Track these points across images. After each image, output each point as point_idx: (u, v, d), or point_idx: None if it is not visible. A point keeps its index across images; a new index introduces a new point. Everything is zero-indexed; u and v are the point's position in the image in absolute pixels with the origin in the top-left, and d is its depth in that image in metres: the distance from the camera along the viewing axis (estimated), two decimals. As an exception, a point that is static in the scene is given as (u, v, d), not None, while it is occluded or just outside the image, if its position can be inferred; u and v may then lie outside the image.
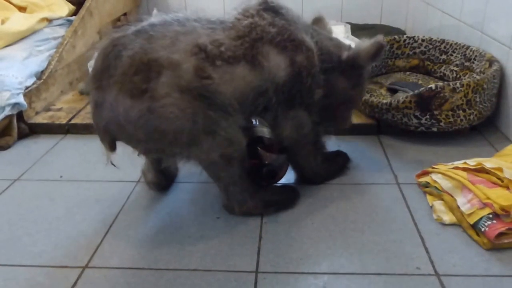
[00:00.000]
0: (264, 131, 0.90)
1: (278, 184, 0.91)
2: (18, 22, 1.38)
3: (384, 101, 1.06)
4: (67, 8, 1.60)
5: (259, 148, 0.87)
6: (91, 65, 1.40)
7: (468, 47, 1.21)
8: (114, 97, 0.69)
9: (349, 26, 1.79)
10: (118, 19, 1.85)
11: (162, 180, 0.90)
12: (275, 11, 0.80)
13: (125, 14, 1.89)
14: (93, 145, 1.12)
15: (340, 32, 1.73)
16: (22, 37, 1.37)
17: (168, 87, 0.69)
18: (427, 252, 0.73)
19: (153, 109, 0.68)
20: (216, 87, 0.71)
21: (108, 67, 0.70)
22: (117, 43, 0.72)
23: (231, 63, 0.73)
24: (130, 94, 0.68)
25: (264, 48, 0.76)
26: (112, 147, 0.75)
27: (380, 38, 0.84)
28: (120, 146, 1.11)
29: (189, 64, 0.70)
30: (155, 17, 0.77)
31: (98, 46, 0.77)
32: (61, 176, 0.98)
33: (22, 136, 1.16)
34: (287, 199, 0.86)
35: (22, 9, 1.55)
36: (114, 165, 0.80)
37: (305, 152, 0.88)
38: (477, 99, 1.02)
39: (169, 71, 0.69)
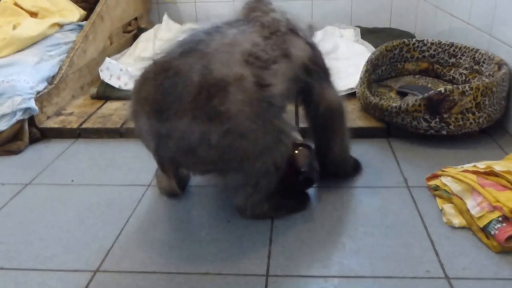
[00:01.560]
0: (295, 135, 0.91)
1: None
2: (30, 27, 1.41)
3: (394, 104, 1.06)
4: (78, 13, 1.63)
5: (296, 153, 0.86)
6: (101, 69, 1.42)
7: (477, 50, 1.21)
8: (187, 125, 0.66)
9: (358, 30, 1.80)
10: (129, 24, 1.87)
11: (177, 188, 0.89)
12: (266, 4, 0.84)
13: (135, 18, 1.91)
14: (104, 149, 1.14)
15: (350, 36, 1.74)
16: (33, 42, 1.39)
17: (239, 103, 0.67)
18: (437, 255, 0.72)
19: (231, 129, 0.67)
20: (274, 91, 0.71)
21: (168, 96, 0.67)
22: (167, 68, 0.68)
23: (277, 62, 0.73)
24: (206, 118, 0.66)
25: (288, 37, 0.78)
26: (175, 175, 0.75)
27: None
28: (130, 151, 1.12)
29: (249, 75, 0.69)
30: (187, 32, 0.75)
31: (142, 74, 0.72)
32: (72, 180, 1.00)
33: (33, 140, 1.18)
34: (298, 203, 0.86)
35: (33, 14, 1.58)
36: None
37: (341, 127, 0.87)
38: (487, 102, 1.02)
39: (235, 87, 0.67)
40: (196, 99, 0.66)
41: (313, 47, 0.83)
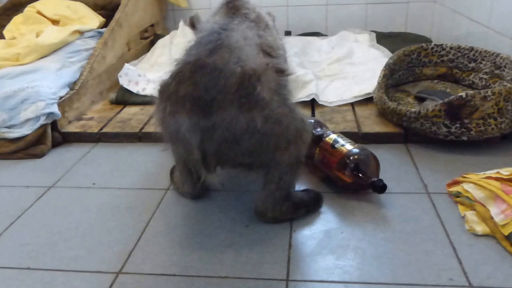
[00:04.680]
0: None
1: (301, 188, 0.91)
2: (52, 35, 1.44)
3: (413, 109, 1.05)
4: (98, 20, 1.66)
5: (367, 159, 0.89)
6: (120, 75, 1.45)
7: (498, 55, 1.19)
8: (234, 115, 0.70)
9: (374, 35, 1.79)
10: (146, 30, 1.90)
11: (199, 189, 0.91)
12: (246, 2, 0.92)
13: (152, 25, 1.94)
14: (123, 153, 1.16)
15: (365, 41, 1.73)
16: (55, 49, 1.43)
17: (270, 91, 0.72)
18: (460, 263, 0.71)
19: (269, 114, 0.71)
20: (288, 76, 0.79)
21: (210, 90, 0.70)
22: (203, 65, 0.71)
23: (280, 49, 0.82)
24: (250, 106, 0.70)
25: (272, 30, 0.89)
26: (215, 169, 0.77)
27: None
28: (148, 155, 1.14)
29: (270, 65, 0.75)
30: (206, 31, 0.79)
31: (175, 75, 0.75)
32: (93, 184, 1.01)
33: (55, 144, 1.21)
34: (314, 199, 0.87)
35: (55, 22, 1.62)
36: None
37: None
38: (509, 108, 1.01)
39: (265, 75, 0.72)
40: (239, 89, 0.70)
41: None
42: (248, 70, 0.71)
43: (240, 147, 0.72)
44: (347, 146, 0.92)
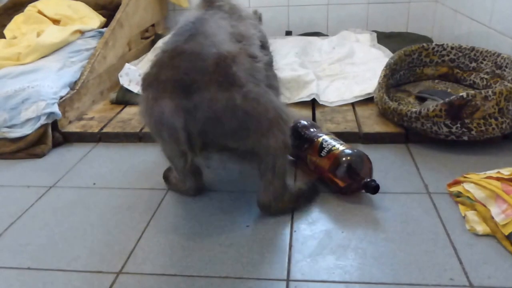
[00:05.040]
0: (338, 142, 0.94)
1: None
2: (53, 34, 1.44)
3: (413, 109, 1.05)
4: (99, 20, 1.66)
5: (359, 161, 0.89)
6: (121, 75, 1.45)
7: (499, 55, 1.19)
8: (214, 93, 0.73)
9: (375, 35, 1.79)
10: (146, 30, 1.90)
11: (201, 183, 0.93)
12: None
13: (153, 25, 1.94)
14: (124, 153, 1.16)
15: (366, 41, 1.73)
16: (56, 49, 1.43)
17: (245, 72, 0.75)
18: (461, 263, 0.71)
19: (247, 92, 0.74)
20: (261, 63, 0.81)
21: (190, 73, 0.74)
22: (181, 51, 0.75)
23: (253, 38, 0.85)
24: (229, 85, 0.73)
25: (246, 20, 0.92)
26: (201, 152, 0.79)
27: None
28: (149, 155, 1.14)
29: (242, 50, 0.79)
30: (181, 22, 0.84)
31: (155, 63, 0.78)
32: (94, 184, 1.01)
33: (56, 144, 1.21)
34: (311, 188, 0.90)
35: (56, 22, 1.62)
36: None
37: None
38: (510, 107, 1.00)
39: (238, 59, 0.76)
40: (217, 70, 0.73)
41: (260, 28, 0.96)
42: (223, 52, 0.75)
43: (223, 126, 0.75)
44: (339, 147, 0.91)
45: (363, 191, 0.88)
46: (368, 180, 0.87)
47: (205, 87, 0.73)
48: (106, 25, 1.67)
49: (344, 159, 0.89)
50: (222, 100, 0.73)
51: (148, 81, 0.77)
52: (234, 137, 0.77)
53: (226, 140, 0.78)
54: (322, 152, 0.92)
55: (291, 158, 1.01)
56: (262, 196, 0.84)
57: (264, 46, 0.93)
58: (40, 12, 1.61)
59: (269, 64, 0.94)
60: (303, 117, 1.07)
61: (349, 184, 0.88)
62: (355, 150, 0.91)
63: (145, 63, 1.68)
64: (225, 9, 0.89)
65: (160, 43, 1.78)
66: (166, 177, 0.99)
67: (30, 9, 1.63)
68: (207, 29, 0.79)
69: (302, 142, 0.97)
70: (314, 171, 0.96)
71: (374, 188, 0.86)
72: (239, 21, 0.88)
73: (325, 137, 0.95)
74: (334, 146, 0.91)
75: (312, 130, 0.99)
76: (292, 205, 0.86)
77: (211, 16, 0.85)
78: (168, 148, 0.84)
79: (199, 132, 0.75)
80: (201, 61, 0.74)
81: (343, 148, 0.91)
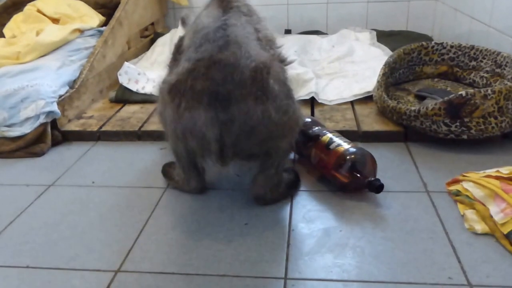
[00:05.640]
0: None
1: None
2: (52, 33, 1.44)
3: (413, 108, 1.05)
4: (98, 19, 1.66)
5: (364, 159, 0.90)
6: (120, 73, 1.45)
7: (499, 53, 1.19)
8: (251, 106, 0.74)
9: (374, 33, 1.78)
10: (146, 29, 1.90)
11: (204, 183, 0.94)
12: None
13: (152, 23, 1.94)
14: (123, 152, 1.16)
15: (366, 39, 1.73)
16: (55, 48, 1.43)
17: (278, 84, 0.77)
18: (459, 262, 0.71)
19: (280, 105, 0.76)
20: (289, 65, 0.84)
21: (227, 84, 0.73)
22: (216, 61, 0.75)
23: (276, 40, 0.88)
24: (265, 98, 0.74)
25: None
26: (230, 162, 0.80)
27: None
28: (147, 153, 1.14)
29: (275, 57, 0.81)
30: (209, 27, 0.82)
31: (189, 72, 0.77)
32: (93, 182, 1.02)
33: (55, 143, 1.21)
34: (295, 176, 0.94)
35: (55, 20, 1.62)
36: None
37: None
38: (509, 106, 1.00)
39: (272, 69, 0.77)
40: (254, 83, 0.74)
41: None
42: (259, 64, 0.75)
43: (254, 138, 0.76)
44: (344, 145, 0.91)
45: (367, 190, 0.88)
46: (372, 179, 0.87)
47: (242, 100, 0.73)
48: (105, 23, 1.66)
49: (348, 157, 0.89)
50: (258, 113, 0.74)
51: (181, 89, 0.76)
52: (259, 145, 0.79)
53: (253, 149, 0.80)
54: (330, 146, 0.92)
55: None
56: (259, 188, 0.86)
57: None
58: (39, 11, 1.61)
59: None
60: (307, 115, 1.08)
61: (352, 181, 0.88)
62: (360, 148, 0.91)
63: (144, 61, 1.68)
64: (243, 11, 0.89)
65: (160, 41, 1.78)
66: (165, 172, 0.98)
67: (29, 8, 1.62)
68: (238, 36, 0.79)
69: (307, 139, 0.98)
70: (316, 166, 0.96)
71: (378, 187, 0.86)
72: (258, 23, 0.89)
73: (331, 135, 0.96)
74: (340, 144, 0.92)
75: (316, 128, 0.99)
76: (286, 193, 0.90)
77: (237, 20, 0.84)
78: (188, 149, 0.83)
79: (232, 144, 0.76)
80: (238, 73, 0.74)
81: (348, 146, 0.91)
